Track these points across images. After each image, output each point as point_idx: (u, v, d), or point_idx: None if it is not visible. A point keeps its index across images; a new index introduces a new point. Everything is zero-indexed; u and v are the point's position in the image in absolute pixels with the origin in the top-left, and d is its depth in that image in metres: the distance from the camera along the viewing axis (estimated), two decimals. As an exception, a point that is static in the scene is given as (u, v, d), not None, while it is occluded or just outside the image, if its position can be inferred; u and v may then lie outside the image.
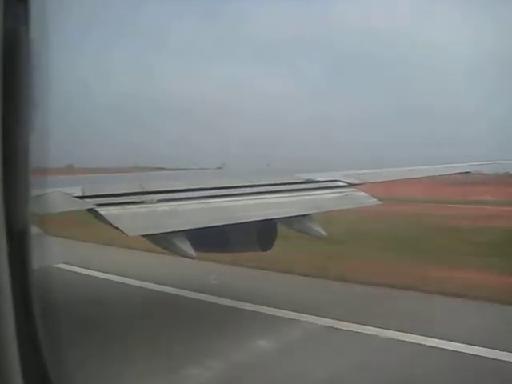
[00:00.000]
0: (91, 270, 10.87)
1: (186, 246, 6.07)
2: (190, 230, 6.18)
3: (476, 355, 6.57)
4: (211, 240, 7.35)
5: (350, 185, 8.52)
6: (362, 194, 8.48)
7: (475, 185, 24.57)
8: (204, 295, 9.15)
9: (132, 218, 6.03)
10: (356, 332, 7.45)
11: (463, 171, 11.39)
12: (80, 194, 5.99)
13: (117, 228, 5.79)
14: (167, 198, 6.52)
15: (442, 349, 6.83)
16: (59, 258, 5.36)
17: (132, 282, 10.07)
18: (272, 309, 8.34)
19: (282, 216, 7.39)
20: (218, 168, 14.17)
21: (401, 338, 7.18)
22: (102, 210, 5.86)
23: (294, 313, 8.20)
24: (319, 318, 8.02)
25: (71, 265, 10.05)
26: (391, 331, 7.40)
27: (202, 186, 7.10)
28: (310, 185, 8.24)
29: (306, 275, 10.58)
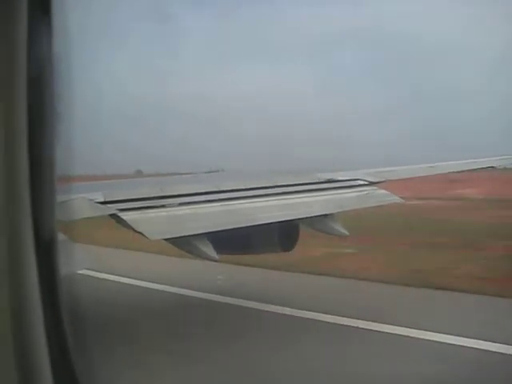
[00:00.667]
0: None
1: (209, 249, 6.09)
2: (211, 232, 6.20)
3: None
4: (233, 242, 7.36)
5: (371, 183, 8.47)
6: (383, 191, 8.43)
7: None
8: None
9: (154, 222, 6.07)
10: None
11: (487, 166, 11.22)
12: (102, 200, 6.06)
13: (139, 232, 5.84)
14: (188, 201, 6.56)
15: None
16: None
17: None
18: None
19: (303, 216, 7.38)
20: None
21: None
22: (124, 215, 5.92)
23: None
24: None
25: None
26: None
27: (223, 189, 7.11)
28: (330, 184, 8.22)
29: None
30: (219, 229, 6.29)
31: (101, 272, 10.52)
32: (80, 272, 4.86)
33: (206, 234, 6.18)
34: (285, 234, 7.74)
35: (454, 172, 11.36)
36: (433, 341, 6.85)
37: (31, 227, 1.26)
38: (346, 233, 7.44)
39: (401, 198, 8.59)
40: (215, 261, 6.26)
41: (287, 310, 8.22)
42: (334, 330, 7.46)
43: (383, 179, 8.84)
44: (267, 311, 8.34)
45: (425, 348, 6.68)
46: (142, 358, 6.27)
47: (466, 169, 11.20)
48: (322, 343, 6.89)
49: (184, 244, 6.30)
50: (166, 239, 6.30)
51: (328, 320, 7.76)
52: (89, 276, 9.28)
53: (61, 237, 1.56)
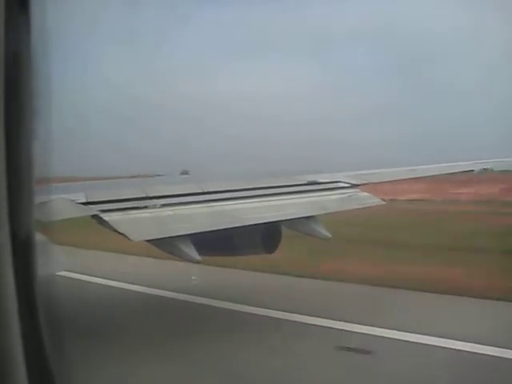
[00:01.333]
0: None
1: (191, 250, 6.08)
2: (194, 234, 6.19)
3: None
4: (216, 243, 7.35)
5: (353, 185, 8.52)
6: (365, 194, 8.49)
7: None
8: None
9: (136, 224, 6.04)
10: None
11: (467, 170, 11.36)
12: (84, 201, 6.01)
13: (121, 234, 5.81)
14: (170, 202, 6.54)
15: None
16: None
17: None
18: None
19: (286, 218, 7.39)
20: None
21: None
22: (106, 216, 5.88)
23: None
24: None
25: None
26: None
27: (205, 190, 7.10)
28: (313, 186, 8.24)
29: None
30: (202, 230, 6.28)
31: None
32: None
33: (188, 235, 6.16)
34: (267, 236, 7.74)
35: (435, 175, 11.48)
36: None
37: (8, 228, 1.25)
38: (329, 235, 7.46)
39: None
40: (197, 262, 6.24)
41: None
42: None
43: (365, 181, 8.90)
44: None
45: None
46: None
47: (447, 172, 11.33)
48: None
49: (166, 245, 6.28)
50: (148, 240, 6.27)
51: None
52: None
53: (40, 238, 1.55)
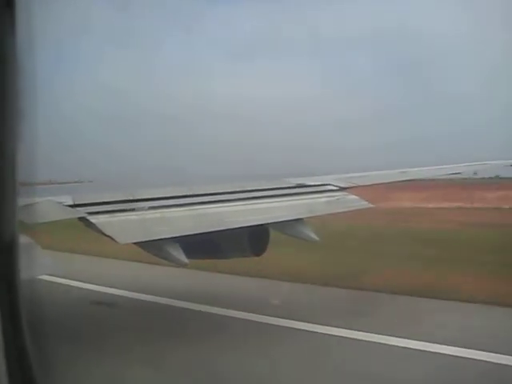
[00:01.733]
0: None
1: (178, 253, 6.06)
2: (181, 236, 6.17)
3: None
4: (204, 246, 7.33)
5: (342, 188, 8.54)
6: (353, 197, 8.51)
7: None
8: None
9: (123, 226, 6.01)
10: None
11: (454, 172, 11.43)
12: (71, 203, 5.98)
13: (108, 236, 5.78)
14: (158, 205, 6.51)
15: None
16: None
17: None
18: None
19: (273, 221, 7.39)
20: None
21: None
22: (93, 219, 5.85)
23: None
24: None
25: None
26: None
27: (193, 193, 7.09)
28: (301, 189, 8.26)
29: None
30: (189, 233, 6.26)
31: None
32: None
33: (176, 238, 6.14)
34: (255, 239, 7.74)
35: (424, 178, 11.53)
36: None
37: None
38: (316, 238, 7.46)
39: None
40: (185, 265, 6.22)
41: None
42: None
43: (354, 184, 8.92)
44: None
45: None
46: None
47: (436, 174, 11.38)
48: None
49: (153, 248, 6.25)
50: (135, 243, 6.24)
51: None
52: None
53: (24, 240, 1.53)
